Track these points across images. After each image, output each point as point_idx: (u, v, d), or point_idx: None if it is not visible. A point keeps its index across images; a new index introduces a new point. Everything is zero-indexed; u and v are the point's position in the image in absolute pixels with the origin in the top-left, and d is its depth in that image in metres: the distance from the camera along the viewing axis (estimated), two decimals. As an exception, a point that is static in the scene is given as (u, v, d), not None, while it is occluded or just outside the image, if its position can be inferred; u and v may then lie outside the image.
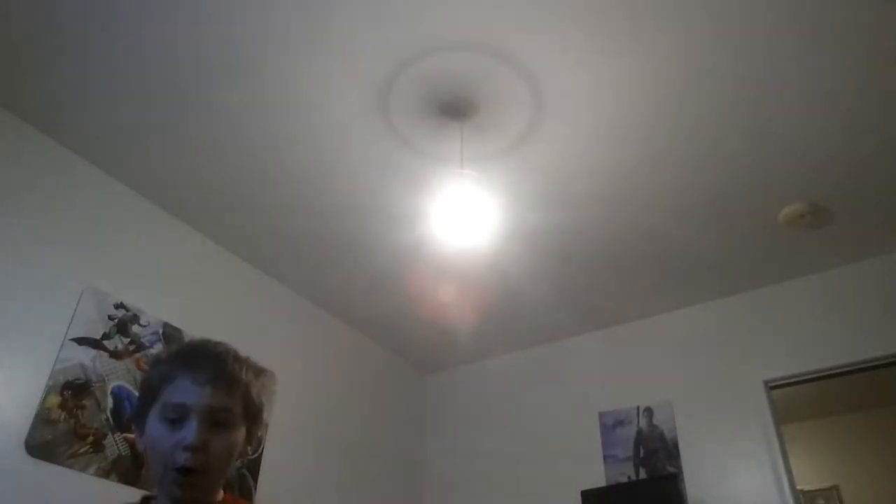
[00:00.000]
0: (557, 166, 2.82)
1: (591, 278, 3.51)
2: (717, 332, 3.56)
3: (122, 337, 2.80)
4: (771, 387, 3.28)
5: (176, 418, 0.95)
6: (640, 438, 3.49)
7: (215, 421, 0.97)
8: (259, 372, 1.08)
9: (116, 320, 2.80)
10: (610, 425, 3.62)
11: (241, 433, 1.01)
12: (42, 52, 2.39)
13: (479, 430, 4.10)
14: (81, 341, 2.64)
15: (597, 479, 3.47)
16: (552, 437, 3.80)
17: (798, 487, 3.19)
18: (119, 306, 2.83)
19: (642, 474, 3.39)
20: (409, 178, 2.90)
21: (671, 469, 3.30)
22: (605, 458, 3.54)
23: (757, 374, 3.31)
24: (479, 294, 3.65)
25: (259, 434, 1.09)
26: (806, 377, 3.24)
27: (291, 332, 3.67)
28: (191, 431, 0.94)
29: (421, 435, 4.33)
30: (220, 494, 1.02)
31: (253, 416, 1.05)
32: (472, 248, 3.22)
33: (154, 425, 0.97)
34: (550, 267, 3.42)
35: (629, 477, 3.42)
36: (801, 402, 4.67)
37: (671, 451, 3.36)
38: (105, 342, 2.72)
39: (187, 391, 0.97)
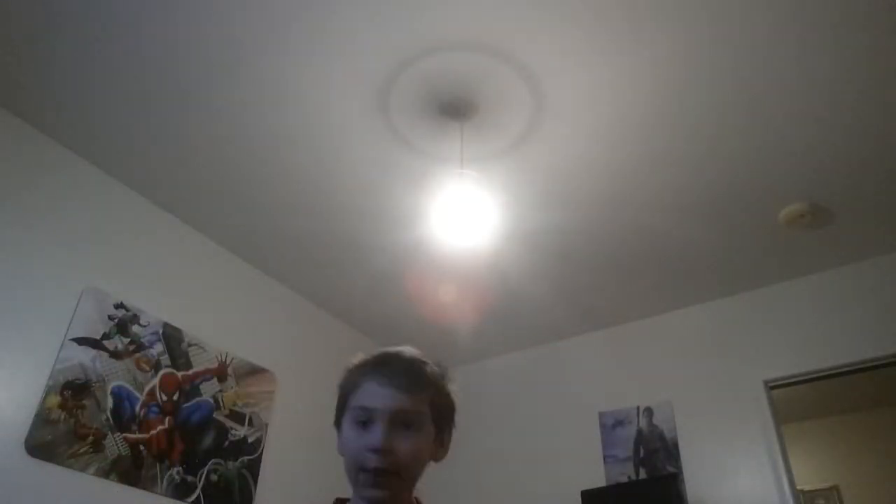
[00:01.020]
0: (557, 166, 2.82)
1: (591, 278, 3.51)
2: (717, 332, 3.56)
3: (122, 337, 2.80)
4: (771, 387, 3.28)
5: (365, 421, 0.99)
6: (640, 438, 3.49)
7: (402, 423, 0.99)
8: (445, 374, 1.10)
9: (116, 320, 2.80)
10: (610, 425, 3.62)
11: (429, 435, 1.04)
12: (42, 52, 2.39)
13: (478, 430, 4.10)
14: (81, 341, 2.64)
15: (597, 479, 3.47)
16: (552, 437, 3.80)
17: (798, 487, 3.19)
18: (119, 306, 2.83)
19: (642, 474, 3.39)
20: (409, 178, 2.90)
21: (671, 469, 3.30)
22: (605, 458, 3.54)
23: (757, 374, 3.30)
24: (479, 294, 3.65)
25: (450, 436, 1.11)
26: (806, 377, 3.24)
27: (291, 332, 3.67)
28: (377, 434, 0.97)
29: (421, 435, 4.33)
30: (413, 499, 1.06)
31: (442, 418, 1.07)
32: (472, 248, 3.21)
33: (347, 429, 1.02)
34: (550, 267, 3.42)
35: (629, 477, 3.42)
36: (801, 402, 4.67)
37: (671, 451, 3.36)
38: (105, 342, 2.73)
39: (374, 395, 1.00)
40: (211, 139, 2.76)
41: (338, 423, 1.07)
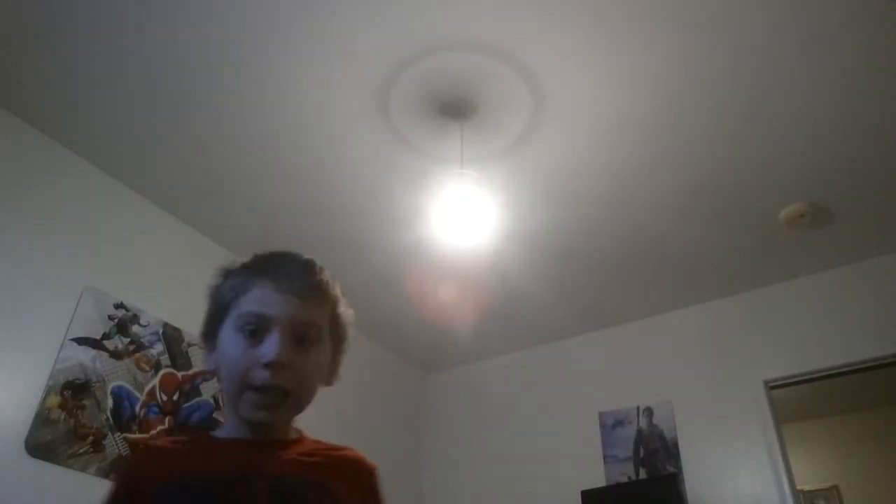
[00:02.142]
0: (557, 166, 2.82)
1: (591, 278, 3.51)
2: (717, 332, 3.56)
3: (122, 337, 2.80)
4: (771, 387, 3.28)
5: (255, 330, 0.85)
6: (640, 438, 3.49)
7: (300, 337, 0.86)
8: (337, 285, 0.96)
9: (116, 320, 2.80)
10: (610, 425, 3.62)
11: (326, 354, 0.91)
12: (42, 52, 2.39)
13: (479, 430, 4.10)
14: (81, 341, 2.64)
15: (597, 479, 3.47)
16: (552, 437, 3.80)
17: (798, 487, 3.19)
18: (119, 306, 2.83)
19: (642, 474, 3.39)
20: (409, 178, 2.90)
21: (671, 469, 3.30)
22: (605, 458, 3.54)
23: (757, 374, 3.30)
24: (479, 294, 3.65)
25: (342, 363, 0.96)
26: (806, 377, 3.24)
27: (291, 332, 3.67)
28: (272, 345, 0.83)
29: (421, 435, 4.33)
30: (299, 430, 0.93)
31: (339, 338, 0.94)
32: (472, 248, 3.21)
33: (229, 338, 0.87)
34: (550, 267, 3.42)
35: (629, 477, 3.42)
36: (801, 402, 4.67)
37: (671, 451, 3.36)
38: (105, 342, 2.72)
39: (269, 301, 0.86)
40: (211, 139, 2.76)
41: (210, 334, 0.91)
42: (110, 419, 2.64)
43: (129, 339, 2.82)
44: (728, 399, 3.33)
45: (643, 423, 3.52)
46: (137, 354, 2.83)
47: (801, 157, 2.72)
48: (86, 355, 2.64)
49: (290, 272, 0.89)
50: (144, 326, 2.90)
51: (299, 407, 0.89)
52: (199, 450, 0.88)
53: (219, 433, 0.90)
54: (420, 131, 2.67)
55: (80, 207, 2.82)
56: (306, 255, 0.93)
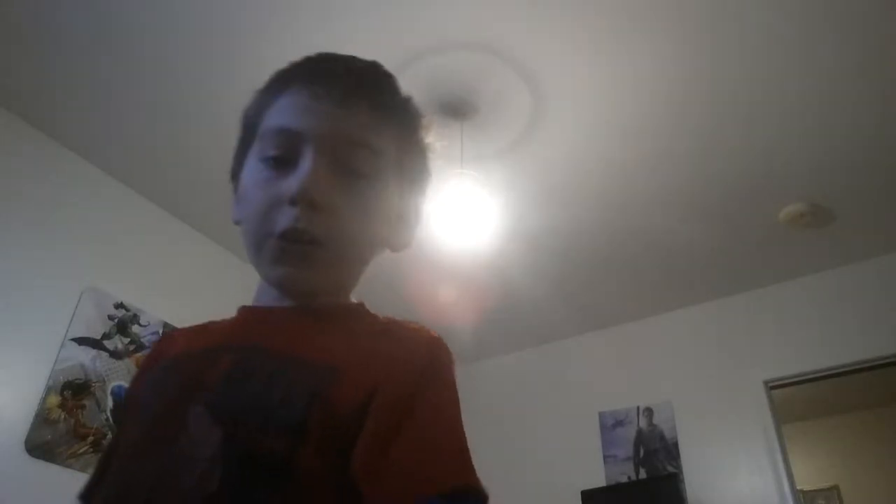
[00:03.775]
0: (557, 166, 2.82)
1: (591, 278, 3.51)
2: (717, 332, 3.55)
3: (122, 337, 2.80)
4: (771, 387, 3.28)
5: (282, 157, 0.60)
6: (640, 438, 3.49)
7: (346, 164, 0.60)
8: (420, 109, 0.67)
9: (116, 320, 2.80)
10: (610, 425, 3.62)
11: (386, 193, 0.64)
12: (42, 53, 2.39)
13: (478, 430, 4.08)
14: (81, 341, 2.64)
15: (597, 479, 3.47)
16: (552, 437, 3.80)
17: (798, 487, 3.19)
18: (119, 306, 2.83)
19: (642, 474, 3.39)
20: (409, 178, 2.90)
21: (671, 469, 3.30)
22: (605, 458, 3.54)
23: (757, 374, 3.30)
24: (479, 294, 3.65)
25: (418, 215, 0.70)
26: (806, 377, 3.24)
27: (291, 332, 3.66)
28: (302, 173, 0.58)
29: (421, 435, 4.33)
30: (356, 304, 0.68)
31: (416, 173, 0.67)
32: (472, 248, 3.21)
33: (249, 171, 0.63)
34: (550, 267, 3.42)
35: (629, 477, 3.41)
36: (801, 402, 4.66)
37: (671, 451, 3.36)
38: (105, 342, 2.72)
39: (300, 109, 0.60)
40: (211, 139, 2.75)
41: (236, 174, 0.67)
42: (110, 419, 2.64)
43: (129, 339, 2.82)
44: (728, 399, 3.33)
45: (643, 423, 3.52)
46: (137, 354, 2.83)
47: (801, 157, 2.71)
48: (86, 355, 2.64)
49: (337, 70, 0.63)
50: (144, 326, 2.89)
51: (342, 266, 0.63)
52: (217, 327, 0.69)
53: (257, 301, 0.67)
54: (420, 131, 2.66)
55: (80, 207, 2.82)
56: (376, 62, 0.66)
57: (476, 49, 2.33)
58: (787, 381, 3.27)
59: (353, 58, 0.66)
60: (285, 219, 0.58)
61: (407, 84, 0.71)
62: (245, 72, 2.44)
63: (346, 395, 0.53)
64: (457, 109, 2.54)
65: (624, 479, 3.41)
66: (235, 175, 0.67)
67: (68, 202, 2.78)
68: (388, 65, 0.68)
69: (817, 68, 2.35)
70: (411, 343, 0.61)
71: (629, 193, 2.94)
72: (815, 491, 4.84)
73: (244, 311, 0.67)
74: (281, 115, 0.61)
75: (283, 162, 0.60)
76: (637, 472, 3.41)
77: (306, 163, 0.58)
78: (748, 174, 2.81)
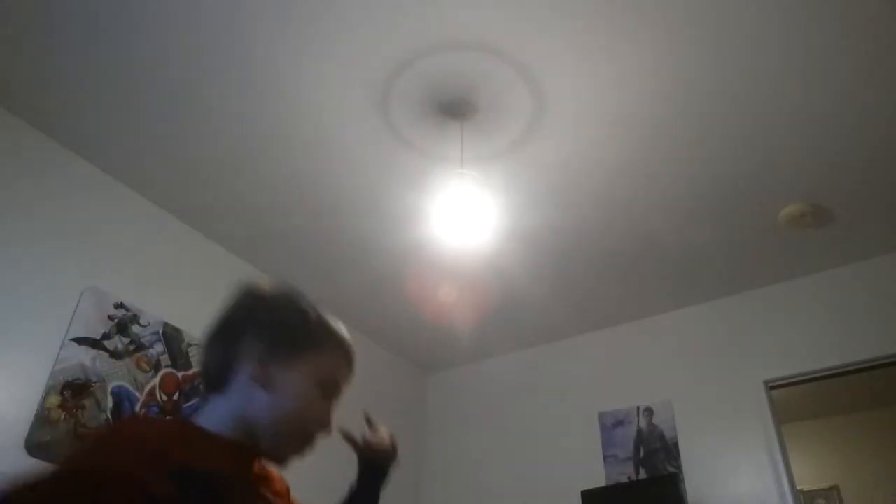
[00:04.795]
0: (557, 166, 2.82)
1: (591, 278, 3.51)
2: (717, 332, 3.56)
3: (122, 337, 2.80)
4: (771, 387, 3.28)
5: (327, 397, 0.98)
6: (640, 438, 3.49)
7: None
8: None
9: (116, 320, 2.80)
10: (610, 425, 3.62)
11: None
12: (42, 52, 2.39)
13: (479, 430, 4.10)
14: (81, 341, 2.64)
15: (597, 479, 3.47)
16: (552, 437, 3.80)
17: (798, 487, 3.19)
18: (119, 306, 2.83)
19: (642, 474, 3.39)
20: (409, 178, 2.90)
21: (671, 469, 3.30)
22: (605, 458, 3.54)
23: (757, 374, 3.30)
24: (479, 294, 3.65)
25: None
26: (806, 377, 3.24)
27: (291, 332, 3.66)
28: (331, 415, 0.99)
29: (421, 435, 4.33)
30: None
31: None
32: (472, 248, 3.22)
33: (308, 389, 0.97)
34: (550, 267, 3.42)
35: (629, 477, 3.42)
36: (801, 402, 4.67)
37: (671, 451, 3.36)
38: (105, 342, 2.72)
39: (346, 380, 1.02)
40: (210, 139, 2.76)
41: (289, 356, 0.96)
42: (110, 419, 2.64)
43: (129, 339, 2.82)
44: (728, 399, 3.33)
45: (643, 423, 3.52)
46: (137, 354, 2.83)
47: (801, 157, 2.72)
48: (86, 355, 2.64)
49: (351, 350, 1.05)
50: (144, 326, 2.89)
51: None
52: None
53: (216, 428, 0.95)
54: (420, 131, 2.67)
55: (81, 207, 2.82)
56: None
57: (476, 49, 2.33)
58: (787, 381, 3.27)
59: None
60: (320, 436, 0.99)
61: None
62: (245, 71, 2.45)
63: None
64: (457, 109, 2.54)
65: (624, 480, 3.41)
66: (289, 356, 0.96)
67: (68, 202, 2.78)
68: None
69: (818, 68, 2.35)
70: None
71: (629, 193, 2.94)
72: (814, 491, 4.84)
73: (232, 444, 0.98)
74: (343, 377, 1.02)
75: (324, 399, 0.98)
76: (637, 472, 3.41)
77: (333, 408, 1.00)
78: (748, 174, 2.81)
